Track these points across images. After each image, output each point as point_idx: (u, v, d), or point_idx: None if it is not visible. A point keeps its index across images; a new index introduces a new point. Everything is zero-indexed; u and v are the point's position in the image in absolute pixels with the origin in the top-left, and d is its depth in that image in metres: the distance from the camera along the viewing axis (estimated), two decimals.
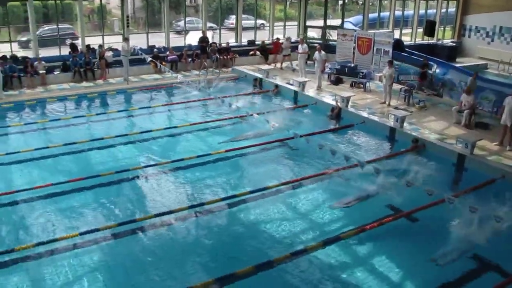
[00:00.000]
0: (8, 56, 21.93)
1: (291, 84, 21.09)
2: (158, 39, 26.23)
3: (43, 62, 22.25)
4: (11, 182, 12.39)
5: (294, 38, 27.56)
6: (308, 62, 23.35)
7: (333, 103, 18.21)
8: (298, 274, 8.90)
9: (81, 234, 9.76)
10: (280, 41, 26.75)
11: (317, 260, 9.30)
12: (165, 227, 10.33)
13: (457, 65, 23.44)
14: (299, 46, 23.23)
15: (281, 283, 8.73)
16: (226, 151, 14.06)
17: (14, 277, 8.61)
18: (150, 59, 21.86)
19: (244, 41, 28.45)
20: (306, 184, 12.47)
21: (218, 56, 25.22)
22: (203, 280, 8.45)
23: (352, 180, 12.40)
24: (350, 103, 18.18)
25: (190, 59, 25.31)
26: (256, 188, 11.86)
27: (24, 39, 27.74)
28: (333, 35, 27.72)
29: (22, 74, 21.60)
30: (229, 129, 16.35)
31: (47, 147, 14.45)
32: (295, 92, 20.30)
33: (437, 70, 20.69)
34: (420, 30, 31.47)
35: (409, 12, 32.44)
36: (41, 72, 21.95)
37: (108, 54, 23.32)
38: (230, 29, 32.55)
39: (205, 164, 13.43)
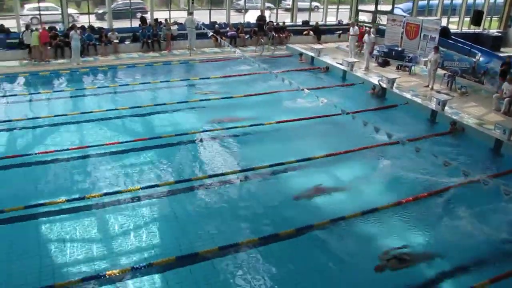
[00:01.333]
0: (86, 27, 22.53)
1: (340, 64, 20.73)
2: (219, 16, 26.26)
3: (116, 32, 22.74)
4: (84, 138, 12.83)
5: (345, 21, 27.02)
6: (358, 43, 22.87)
7: (382, 84, 17.82)
8: (335, 239, 8.89)
9: (142, 188, 10.05)
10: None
11: (348, 228, 9.27)
12: (217, 187, 10.45)
13: (501, 54, 22.39)
14: (350, 28, 22.73)
15: (319, 246, 8.73)
16: (277, 122, 14.04)
17: (84, 221, 8.97)
18: (212, 33, 21.89)
19: (299, 21, 28.09)
20: (349, 157, 12.33)
21: (274, 34, 25.03)
22: (248, 238, 8.59)
23: (393, 157, 12.20)
24: (395, 85, 17.74)
25: (248, 36, 25.27)
26: (302, 158, 11.83)
27: (100, 11, 28.48)
28: (383, 19, 27.01)
29: (97, 43, 22.17)
30: (281, 102, 16.26)
31: (116, 109, 14.85)
32: (344, 72, 19.94)
33: (481, 59, 19.84)
34: (467, 19, 30.10)
35: (457, 1, 31.06)
36: (114, 41, 22.47)
37: (174, 27, 23.60)
38: (286, 9, 32.19)
39: (257, 133, 13.47)
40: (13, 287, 7.27)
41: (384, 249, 8.56)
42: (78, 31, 20.53)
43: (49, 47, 21.16)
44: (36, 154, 11.78)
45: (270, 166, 11.39)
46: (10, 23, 21.96)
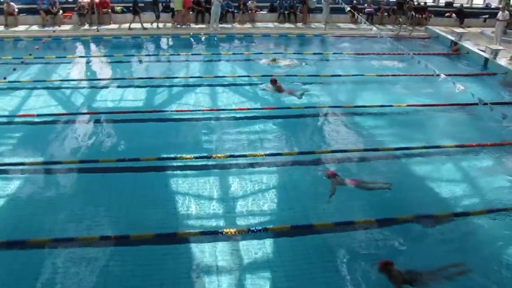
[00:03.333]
0: None
1: (483, 51, 19.17)
2: None
3: (254, 1, 23.13)
4: (216, 101, 13.32)
5: (494, 4, 24.94)
6: (507, 30, 20.97)
7: None
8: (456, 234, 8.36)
9: (266, 155, 10.22)
10: None
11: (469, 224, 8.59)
12: (337, 163, 10.21)
13: None
14: (499, 13, 20.84)
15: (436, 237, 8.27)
16: (408, 105, 13.44)
17: (208, 179, 9.31)
18: (349, 9, 21.41)
19: (442, 2, 26.41)
20: (481, 151, 11.41)
21: (414, 14, 23.84)
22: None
23: None
24: None
25: (386, 14, 24.35)
26: (429, 145, 11.21)
27: None
28: None
29: (235, 11, 22.75)
30: (413, 84, 15.48)
31: (248, 76, 15.24)
32: (486, 59, 18.39)
33: None
34: None
35: None
36: (252, 10, 22.90)
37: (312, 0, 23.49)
38: None
39: (383, 115, 13.03)
40: (138, 228, 7.80)
41: None
42: None
43: (191, 12, 22.17)
44: (171, 111, 12.53)
45: (395, 149, 10.90)
46: None
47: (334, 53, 18.67)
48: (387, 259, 6.88)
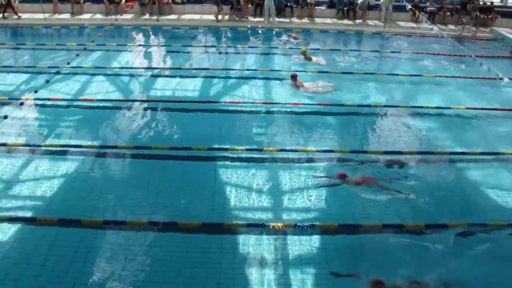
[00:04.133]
0: None
1: None
2: None
3: None
4: (270, 94, 13.33)
5: None
6: None
7: None
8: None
9: (317, 151, 10.11)
10: None
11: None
12: (380, 164, 9.98)
13: None
14: None
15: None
16: (467, 108, 12.95)
17: (258, 172, 9.32)
18: (410, 7, 20.87)
19: (510, 2, 25.25)
20: None
21: (478, 14, 22.88)
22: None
23: None
24: None
25: (449, 13, 23.54)
26: (488, 151, 10.70)
27: None
28: None
29: (294, 5, 22.63)
30: (474, 87, 14.88)
31: (304, 71, 15.10)
32: None
33: None
34: None
35: None
36: (310, 5, 22.73)
37: None
38: None
39: (439, 116, 12.61)
40: (186, 216, 7.91)
41: None
42: None
43: (250, 5, 22.23)
44: (225, 102, 12.63)
45: (451, 153, 10.51)
46: None
47: (392, 52, 18.21)
48: (379, 279, 6.57)
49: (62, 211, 7.99)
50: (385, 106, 12.85)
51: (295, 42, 18.59)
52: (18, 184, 8.84)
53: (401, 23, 22.73)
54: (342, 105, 12.63)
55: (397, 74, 15.47)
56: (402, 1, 20.88)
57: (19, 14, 21.63)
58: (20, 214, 7.92)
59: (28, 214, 7.96)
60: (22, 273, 6.66)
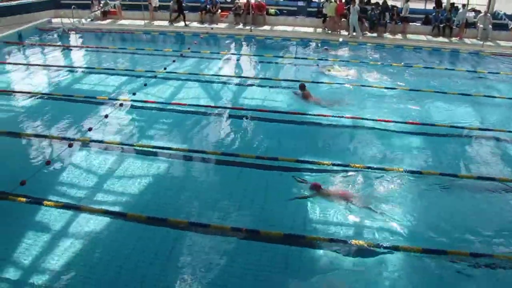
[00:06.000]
0: (380, 3, 22.61)
1: None
2: None
3: (407, 12, 22.35)
4: (356, 110, 13.01)
5: None
6: None
7: None
8: None
9: (405, 171, 9.78)
10: None
11: None
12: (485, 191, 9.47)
13: None
14: None
15: None
16: None
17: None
18: None
19: None
20: None
21: None
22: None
23: None
24: None
25: None
26: None
27: None
28: None
29: (388, 21, 22.16)
30: None
31: (392, 88, 14.82)
32: None
33: None
34: None
35: None
36: (404, 21, 22.19)
37: (470, 15, 22.09)
38: None
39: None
40: (268, 225, 7.98)
41: None
42: (356, 6, 21.01)
43: (343, 19, 22.09)
44: (313, 115, 12.52)
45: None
46: None
47: (489, 72, 17.30)
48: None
49: (150, 209, 8.35)
50: (480, 129, 12.18)
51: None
52: (111, 179, 9.38)
53: (502, 43, 21.50)
54: (434, 125, 12.14)
55: (494, 96, 14.64)
56: (504, 19, 19.80)
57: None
58: (112, 208, 8.39)
59: (119, 209, 8.42)
60: (109, 262, 7.15)
